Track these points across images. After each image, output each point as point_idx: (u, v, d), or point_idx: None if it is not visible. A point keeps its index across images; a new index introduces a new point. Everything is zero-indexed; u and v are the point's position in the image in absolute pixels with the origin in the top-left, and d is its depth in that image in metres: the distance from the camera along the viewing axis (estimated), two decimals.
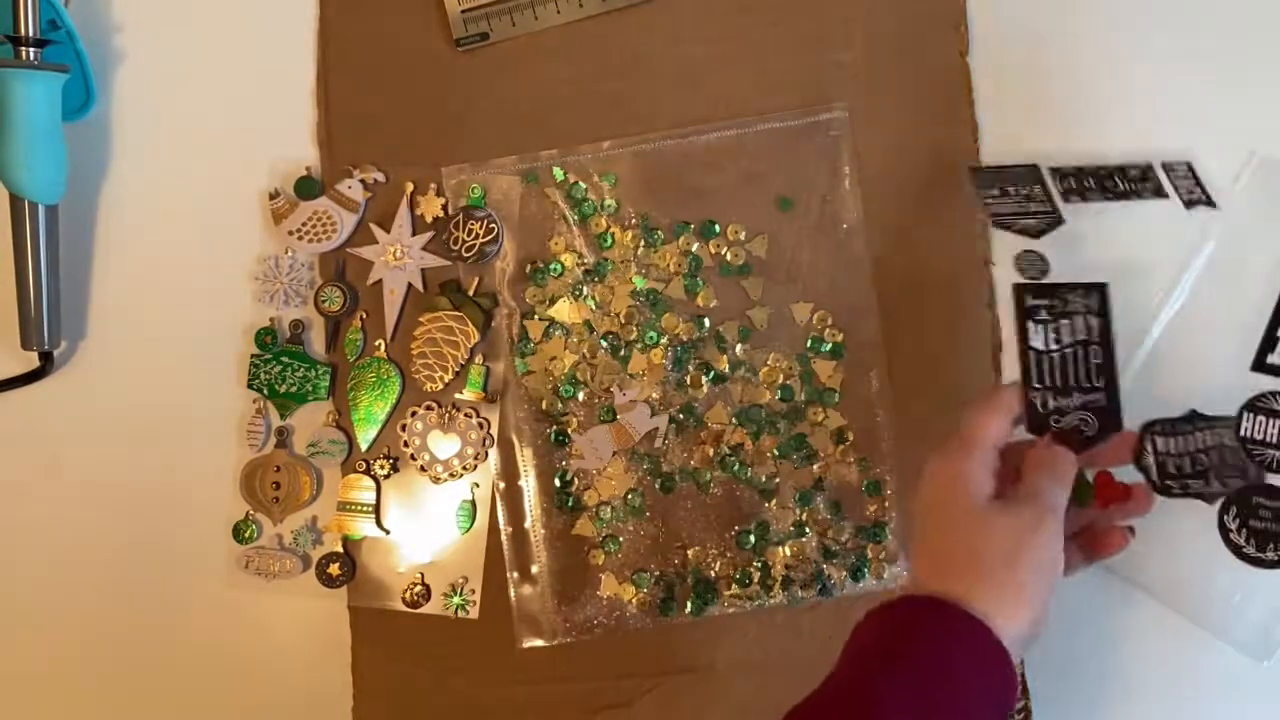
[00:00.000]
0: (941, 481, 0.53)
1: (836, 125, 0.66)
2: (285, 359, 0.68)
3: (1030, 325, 0.59)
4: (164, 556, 0.69)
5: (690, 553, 0.66)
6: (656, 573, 0.66)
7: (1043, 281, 0.61)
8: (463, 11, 0.68)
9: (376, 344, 0.68)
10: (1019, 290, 0.59)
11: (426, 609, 0.67)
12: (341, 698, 0.67)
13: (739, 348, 0.66)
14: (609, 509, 0.66)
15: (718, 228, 0.67)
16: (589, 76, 0.68)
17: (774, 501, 0.66)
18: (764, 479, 0.66)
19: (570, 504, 0.66)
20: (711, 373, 0.66)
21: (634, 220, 0.67)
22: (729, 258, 0.67)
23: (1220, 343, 0.67)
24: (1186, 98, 0.68)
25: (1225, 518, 0.57)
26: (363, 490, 0.68)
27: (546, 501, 0.67)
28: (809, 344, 0.66)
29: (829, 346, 0.66)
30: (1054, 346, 0.58)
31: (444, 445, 0.67)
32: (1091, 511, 0.57)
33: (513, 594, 0.66)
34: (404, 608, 0.67)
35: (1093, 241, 0.66)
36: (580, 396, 0.67)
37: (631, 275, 0.67)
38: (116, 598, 0.69)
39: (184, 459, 0.69)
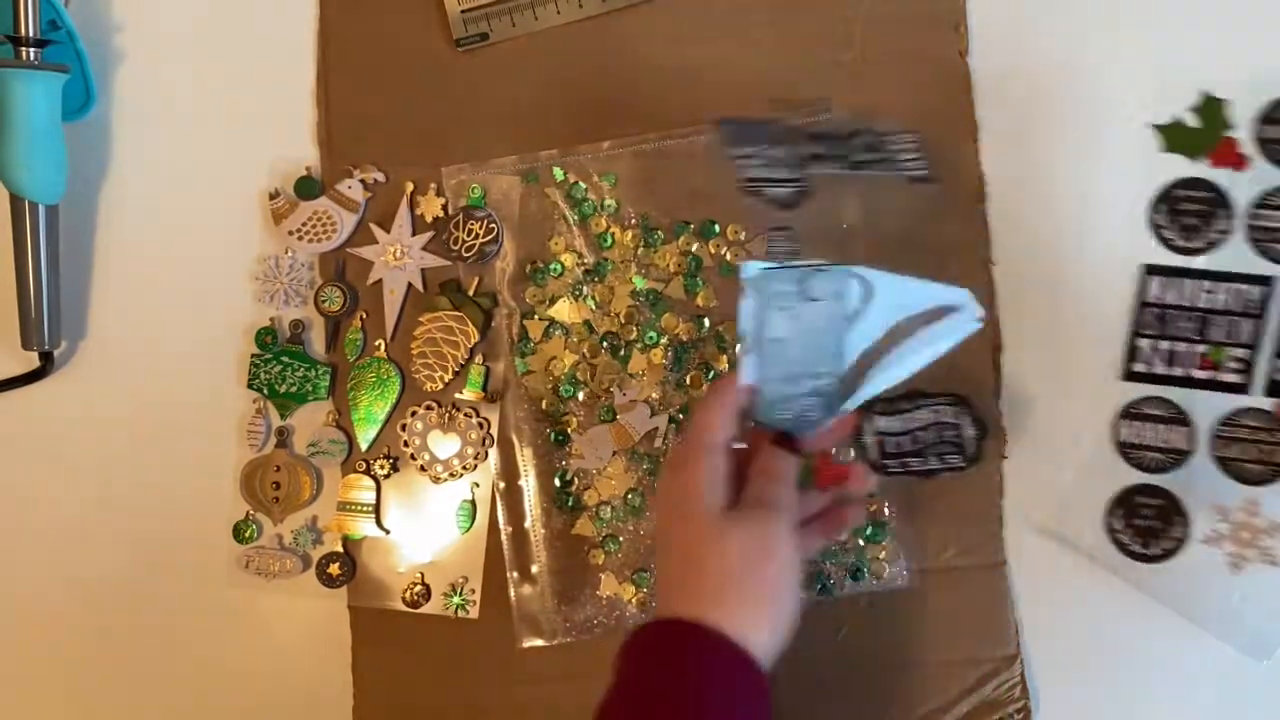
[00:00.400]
0: (674, 495, 0.52)
1: (826, 122, 0.66)
2: (285, 359, 0.68)
3: (773, 314, 0.55)
4: (164, 556, 0.69)
5: None
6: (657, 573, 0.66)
7: (785, 264, 0.57)
8: (463, 11, 0.68)
9: (376, 344, 0.68)
10: (761, 275, 0.55)
11: (426, 609, 0.67)
12: (341, 698, 0.67)
13: (739, 348, 0.66)
14: (609, 509, 0.66)
15: (717, 228, 0.67)
16: (589, 76, 0.68)
17: None
18: None
19: (570, 504, 0.66)
20: (712, 373, 0.66)
21: (634, 220, 0.67)
22: (729, 258, 0.67)
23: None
24: (1188, 97, 0.68)
25: (1111, 519, 0.59)
26: (363, 490, 0.68)
27: (546, 501, 0.67)
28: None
29: None
30: (790, 335, 0.56)
31: (444, 445, 0.67)
32: (818, 494, 0.57)
33: (513, 594, 0.66)
34: (404, 608, 0.67)
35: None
36: (580, 396, 0.67)
37: (631, 275, 0.67)
38: (117, 597, 0.69)
39: (184, 459, 0.69)
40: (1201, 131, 0.61)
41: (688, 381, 0.66)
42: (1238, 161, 0.60)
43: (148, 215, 0.70)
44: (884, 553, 0.66)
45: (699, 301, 0.67)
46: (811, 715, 0.66)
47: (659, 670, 0.49)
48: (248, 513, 0.68)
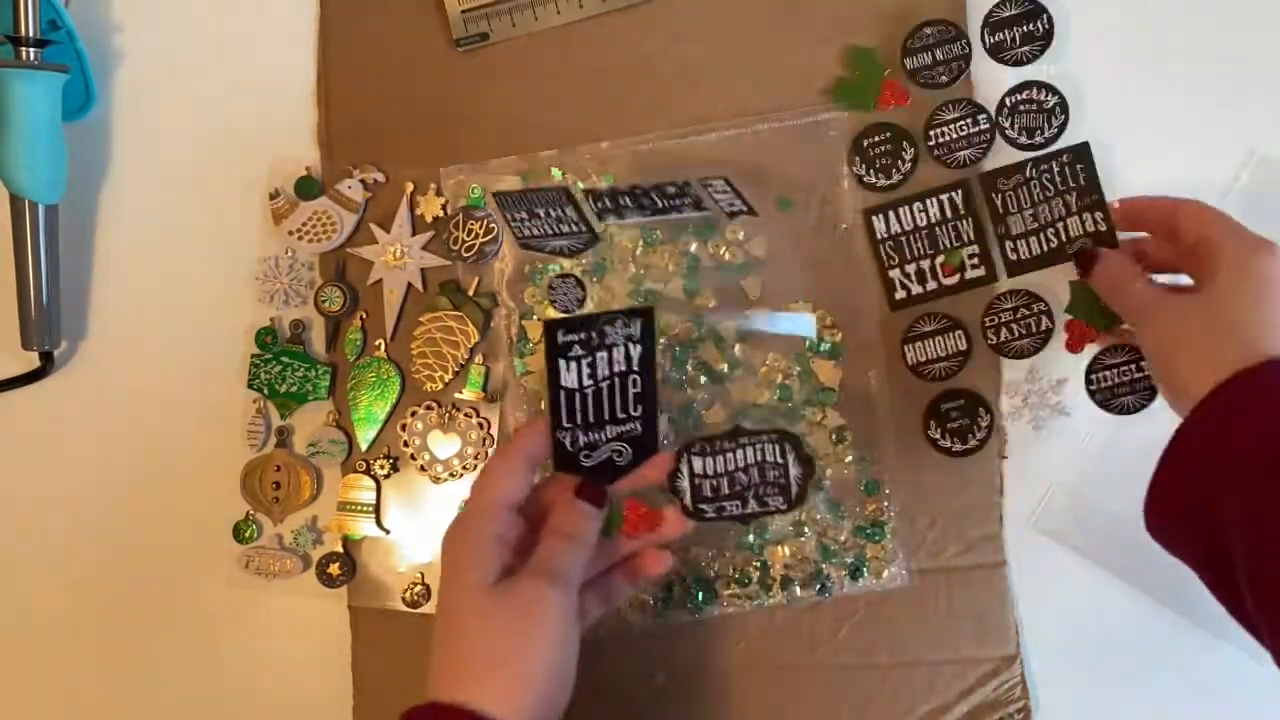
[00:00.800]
0: (446, 567, 0.51)
1: (835, 125, 0.66)
2: (285, 359, 0.68)
3: (561, 363, 0.53)
4: (164, 556, 0.69)
5: (689, 552, 0.66)
6: None
7: (575, 314, 0.58)
8: (463, 11, 0.68)
9: (376, 344, 0.68)
10: (549, 327, 0.53)
11: (426, 609, 0.67)
12: (341, 698, 0.67)
13: (737, 348, 0.66)
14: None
15: (716, 228, 0.67)
16: (589, 77, 0.68)
17: None
18: None
19: None
20: (710, 373, 0.66)
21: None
22: (728, 257, 0.66)
23: None
24: (1187, 97, 0.68)
25: (929, 430, 0.66)
26: (363, 490, 0.68)
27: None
28: (808, 344, 0.66)
29: (828, 346, 0.66)
30: (588, 383, 0.54)
31: (444, 445, 0.67)
32: (623, 542, 0.56)
33: None
34: (404, 608, 0.67)
35: None
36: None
37: (630, 275, 0.67)
38: (116, 597, 0.69)
39: (184, 459, 0.69)
40: (863, 81, 0.66)
41: (686, 381, 0.66)
42: (901, 97, 0.66)
43: (148, 215, 0.70)
44: (883, 552, 0.66)
45: (697, 302, 0.67)
46: (811, 715, 0.66)
47: None
48: (248, 513, 0.68)
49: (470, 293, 0.67)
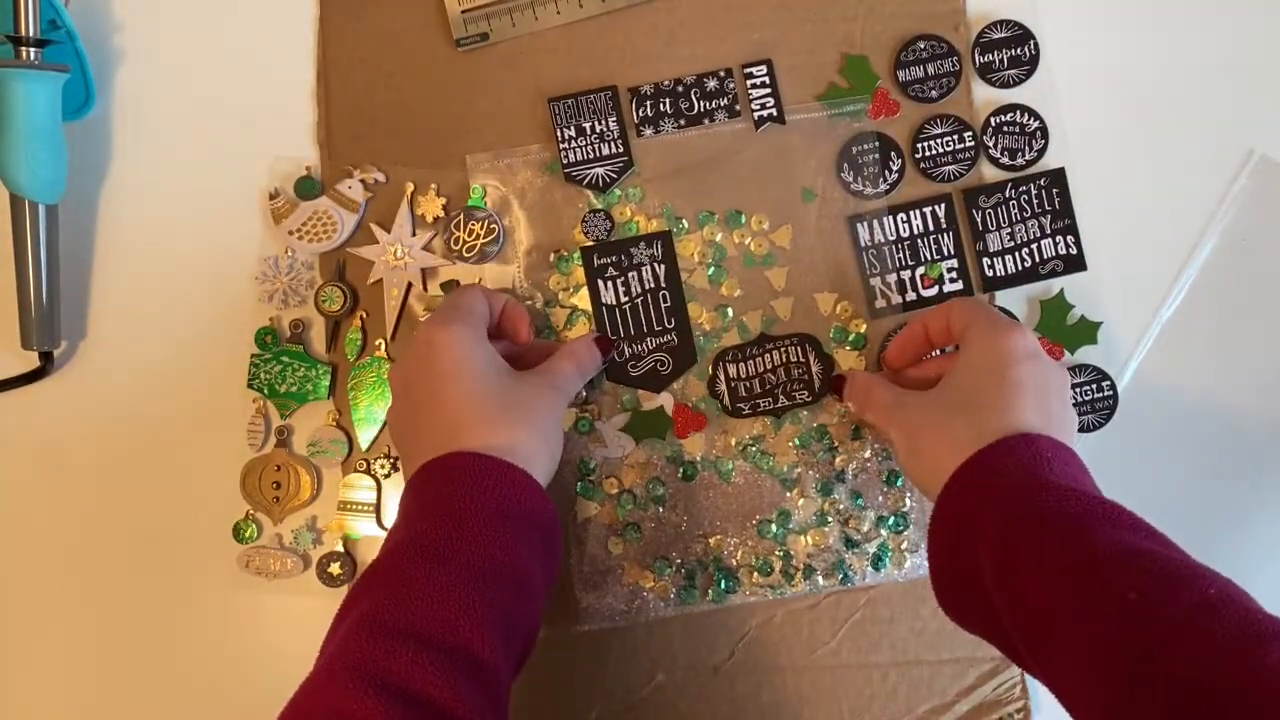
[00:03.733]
0: (442, 347, 0.55)
1: (858, 116, 0.67)
2: (285, 359, 0.68)
3: (600, 284, 0.65)
4: (164, 556, 0.69)
5: (712, 541, 0.66)
6: (678, 561, 0.66)
7: (608, 240, 0.65)
8: (463, 11, 0.68)
9: (376, 344, 0.68)
10: (586, 252, 0.65)
11: None
12: None
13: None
14: (631, 497, 0.66)
15: (743, 218, 0.67)
16: (589, 77, 0.68)
17: (795, 491, 0.66)
18: (785, 468, 0.66)
19: (592, 492, 0.66)
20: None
21: (658, 209, 0.67)
22: (753, 248, 0.67)
23: (1219, 340, 0.68)
24: (1186, 97, 0.68)
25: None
26: (363, 490, 0.68)
27: (569, 489, 0.67)
28: (832, 334, 0.66)
29: (852, 337, 0.66)
30: (624, 299, 0.65)
31: None
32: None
33: None
34: None
35: None
36: (605, 385, 0.67)
37: None
38: (116, 597, 0.69)
39: (184, 459, 0.69)
40: (854, 90, 0.67)
41: (710, 371, 0.66)
42: (891, 108, 0.67)
43: (148, 215, 0.70)
44: (905, 543, 0.66)
45: (723, 291, 0.67)
46: (811, 715, 0.66)
47: (457, 489, 0.51)
48: (248, 512, 0.68)
49: None
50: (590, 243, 0.66)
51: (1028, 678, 0.66)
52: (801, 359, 0.65)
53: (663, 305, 0.65)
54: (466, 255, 0.66)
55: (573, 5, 0.68)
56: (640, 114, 0.65)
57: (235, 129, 0.70)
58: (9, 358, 0.69)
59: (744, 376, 0.65)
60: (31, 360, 0.69)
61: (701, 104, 0.65)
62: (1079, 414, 0.64)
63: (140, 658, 0.69)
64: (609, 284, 0.65)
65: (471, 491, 0.51)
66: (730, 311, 0.66)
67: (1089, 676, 0.42)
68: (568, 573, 0.66)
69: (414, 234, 0.68)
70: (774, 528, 0.66)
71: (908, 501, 0.66)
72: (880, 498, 0.66)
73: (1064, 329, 0.66)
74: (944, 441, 0.52)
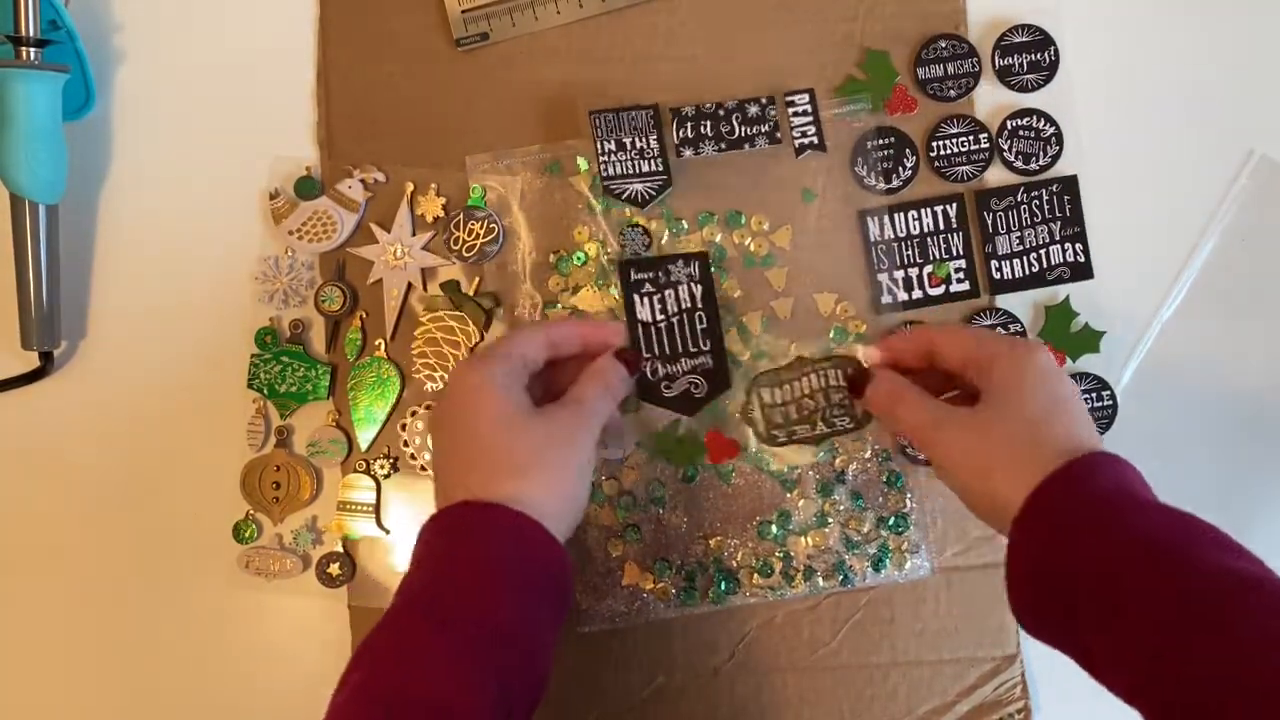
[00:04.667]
0: (466, 389, 0.55)
1: (859, 117, 0.67)
2: (285, 359, 0.68)
3: (636, 299, 0.64)
4: (164, 556, 0.69)
5: (712, 542, 0.66)
6: (678, 562, 0.66)
7: (645, 255, 0.65)
8: (463, 11, 0.68)
9: (376, 344, 0.68)
10: (623, 266, 0.64)
11: None
12: None
13: (763, 338, 0.67)
14: (631, 498, 0.66)
15: (743, 218, 0.67)
16: (589, 77, 0.68)
17: (795, 492, 0.66)
18: (785, 469, 0.66)
19: (592, 493, 0.66)
20: (735, 361, 0.66)
21: (658, 210, 0.67)
22: (753, 248, 0.67)
23: (1219, 341, 0.68)
24: (1186, 98, 0.68)
25: (902, 441, 0.65)
26: (363, 490, 0.68)
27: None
28: (832, 335, 0.66)
29: (852, 337, 0.66)
30: (660, 318, 0.63)
31: None
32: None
33: None
34: None
35: None
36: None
37: None
38: (116, 597, 0.69)
39: (184, 459, 0.69)
40: (873, 84, 0.67)
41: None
42: (909, 105, 0.67)
43: (148, 215, 0.70)
44: (906, 544, 0.66)
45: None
46: (811, 715, 0.66)
47: (463, 543, 0.51)
48: (248, 513, 0.68)
49: (470, 293, 0.67)
50: (628, 256, 0.65)
51: (1029, 677, 0.66)
52: (841, 382, 0.63)
53: (698, 326, 0.64)
54: (466, 255, 0.66)
55: (573, 5, 0.68)
56: (681, 134, 0.65)
57: (235, 129, 0.70)
58: (9, 358, 0.69)
59: (780, 402, 0.64)
60: (31, 360, 0.69)
61: (743, 129, 0.65)
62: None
63: (140, 658, 0.69)
64: (645, 300, 0.64)
65: (475, 546, 0.51)
66: (730, 312, 0.66)
67: (1197, 693, 0.42)
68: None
69: (414, 234, 0.68)
70: (774, 529, 0.66)
71: (908, 502, 0.66)
72: (880, 499, 0.66)
73: (1068, 336, 0.66)
74: (1009, 467, 0.51)
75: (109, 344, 0.70)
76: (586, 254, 0.67)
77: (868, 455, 0.66)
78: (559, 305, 0.67)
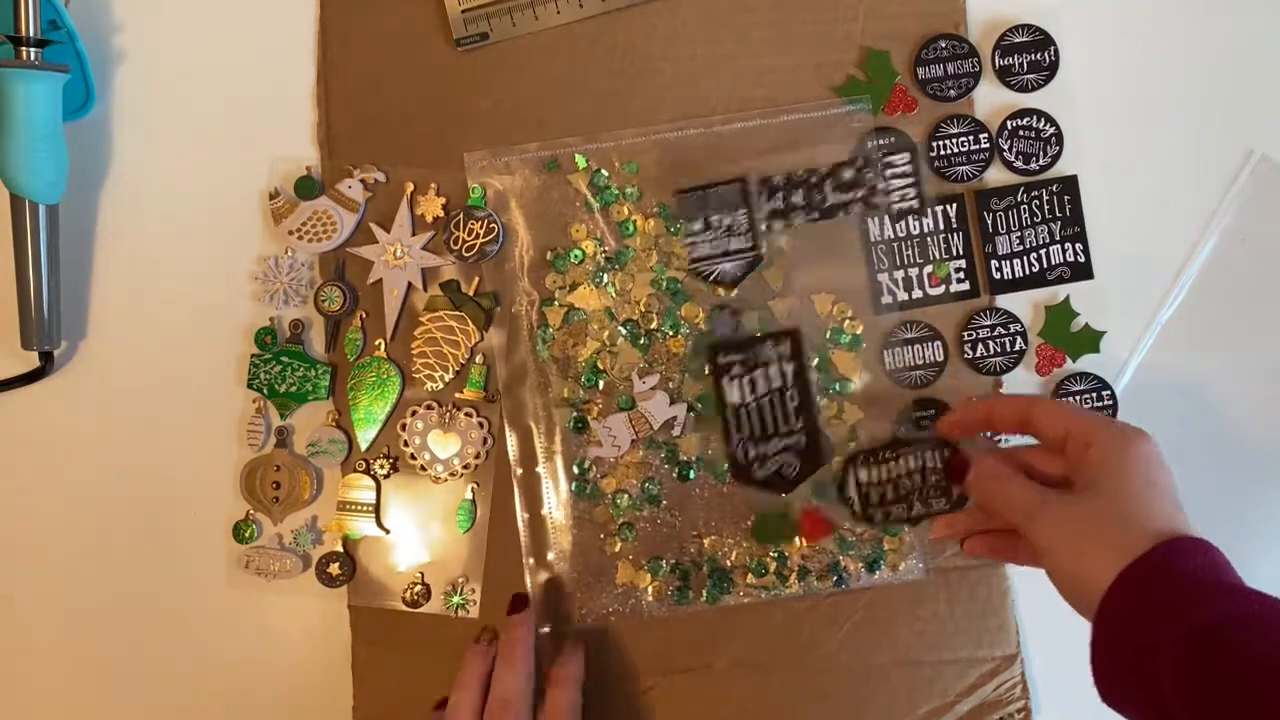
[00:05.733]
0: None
1: (859, 117, 0.67)
2: (285, 358, 0.68)
3: (725, 382, 0.63)
4: (164, 556, 0.69)
5: (706, 542, 0.66)
6: (672, 561, 0.66)
7: (732, 337, 0.63)
8: (463, 11, 0.68)
9: (376, 344, 0.68)
10: (710, 350, 0.63)
11: (426, 609, 0.67)
12: (341, 698, 0.67)
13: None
14: (626, 497, 0.66)
15: None
16: (589, 77, 0.68)
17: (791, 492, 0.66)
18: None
19: (587, 491, 0.66)
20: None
21: (656, 208, 0.67)
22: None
23: (1219, 341, 0.67)
24: (1186, 98, 0.68)
25: (900, 436, 0.65)
26: (362, 490, 0.68)
27: (564, 488, 0.67)
28: (829, 335, 0.66)
29: (848, 338, 0.66)
30: (749, 399, 0.62)
31: (444, 445, 0.67)
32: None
33: (529, 580, 0.66)
34: (404, 607, 0.67)
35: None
36: (600, 385, 0.67)
37: (652, 263, 0.67)
38: (116, 597, 0.69)
39: (184, 459, 0.69)
40: (874, 84, 0.67)
41: (706, 371, 0.66)
42: (909, 105, 0.67)
43: (148, 215, 0.70)
44: (900, 545, 0.66)
45: (719, 291, 0.67)
46: (811, 715, 0.66)
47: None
48: (248, 512, 0.68)
49: (470, 293, 0.67)
50: (715, 339, 0.64)
51: (1029, 677, 0.66)
52: (938, 464, 0.63)
53: (790, 405, 0.63)
54: (466, 255, 0.66)
55: (573, 5, 0.68)
56: (771, 206, 0.64)
57: (235, 129, 0.70)
58: (9, 358, 0.69)
59: (877, 481, 0.63)
60: (31, 360, 0.69)
61: (835, 195, 0.65)
62: None
63: (140, 657, 0.69)
64: (734, 383, 0.63)
65: None
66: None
67: None
68: (563, 573, 0.66)
69: (414, 234, 0.68)
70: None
71: None
72: None
73: (1067, 336, 0.66)
74: (1100, 549, 0.52)
75: (109, 344, 0.70)
76: (584, 251, 0.67)
77: None
78: (556, 302, 0.67)
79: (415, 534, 0.68)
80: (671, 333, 0.66)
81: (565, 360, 0.67)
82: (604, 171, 0.67)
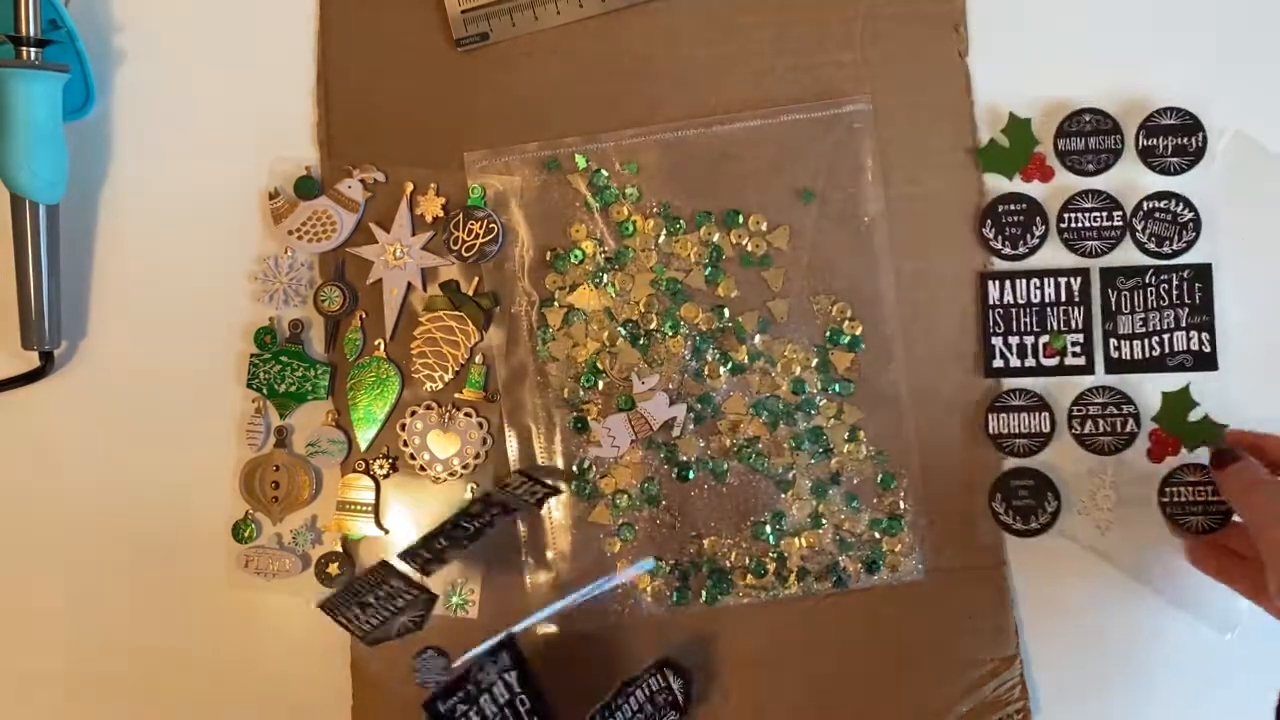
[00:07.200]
0: None
1: (859, 117, 0.67)
2: (285, 358, 0.68)
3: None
4: (164, 556, 0.69)
5: (706, 542, 0.66)
6: (672, 561, 0.66)
7: (446, 680, 0.60)
8: (463, 11, 0.68)
9: (376, 344, 0.68)
10: (427, 708, 0.59)
11: None
12: (341, 698, 0.67)
13: (758, 338, 0.67)
14: (625, 497, 0.66)
15: (740, 218, 0.67)
16: (589, 77, 0.68)
17: (790, 493, 0.66)
18: (780, 470, 0.66)
19: (587, 491, 0.66)
20: (730, 363, 0.66)
21: (655, 209, 0.67)
22: (750, 248, 0.67)
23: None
24: (1185, 98, 0.68)
25: (994, 502, 0.65)
26: (362, 490, 0.68)
27: (563, 488, 0.67)
28: (828, 336, 0.66)
29: (847, 339, 0.66)
30: None
31: (443, 445, 0.67)
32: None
33: (527, 580, 0.66)
34: None
35: None
36: (600, 385, 0.67)
37: (652, 264, 0.67)
38: (116, 597, 0.69)
39: (184, 459, 0.69)
40: (1013, 150, 0.67)
41: (706, 371, 0.66)
42: (1045, 174, 0.67)
43: (148, 215, 0.70)
44: (900, 545, 0.66)
45: (719, 292, 0.67)
46: (811, 715, 0.66)
47: None
48: (247, 512, 0.68)
49: (470, 293, 0.67)
50: (429, 688, 0.61)
51: (1028, 678, 0.66)
52: (663, 684, 0.62)
53: (522, 709, 0.60)
54: (466, 255, 0.66)
55: (573, 5, 0.68)
56: (419, 561, 0.61)
57: (235, 129, 0.70)
58: (9, 358, 0.69)
59: None
60: (31, 360, 0.69)
61: (474, 524, 0.62)
62: (1190, 514, 0.63)
63: (140, 657, 0.69)
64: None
65: None
66: (726, 312, 0.66)
67: None
68: (563, 573, 0.66)
69: (413, 234, 0.68)
70: (768, 529, 0.66)
71: (902, 504, 0.66)
72: (875, 500, 0.66)
73: (1184, 424, 0.64)
74: None
75: (109, 344, 0.70)
76: (584, 252, 0.67)
77: (862, 457, 0.66)
78: (555, 303, 0.67)
79: (415, 534, 0.68)
80: (671, 333, 0.66)
81: (565, 360, 0.67)
82: (604, 171, 0.67)
